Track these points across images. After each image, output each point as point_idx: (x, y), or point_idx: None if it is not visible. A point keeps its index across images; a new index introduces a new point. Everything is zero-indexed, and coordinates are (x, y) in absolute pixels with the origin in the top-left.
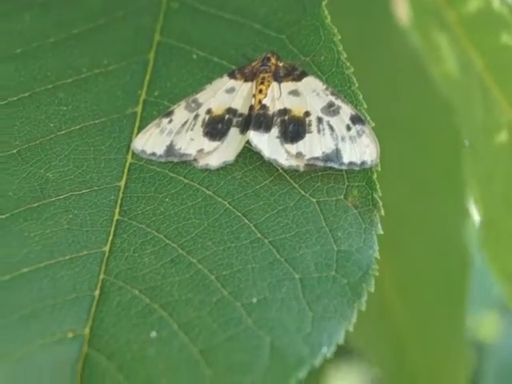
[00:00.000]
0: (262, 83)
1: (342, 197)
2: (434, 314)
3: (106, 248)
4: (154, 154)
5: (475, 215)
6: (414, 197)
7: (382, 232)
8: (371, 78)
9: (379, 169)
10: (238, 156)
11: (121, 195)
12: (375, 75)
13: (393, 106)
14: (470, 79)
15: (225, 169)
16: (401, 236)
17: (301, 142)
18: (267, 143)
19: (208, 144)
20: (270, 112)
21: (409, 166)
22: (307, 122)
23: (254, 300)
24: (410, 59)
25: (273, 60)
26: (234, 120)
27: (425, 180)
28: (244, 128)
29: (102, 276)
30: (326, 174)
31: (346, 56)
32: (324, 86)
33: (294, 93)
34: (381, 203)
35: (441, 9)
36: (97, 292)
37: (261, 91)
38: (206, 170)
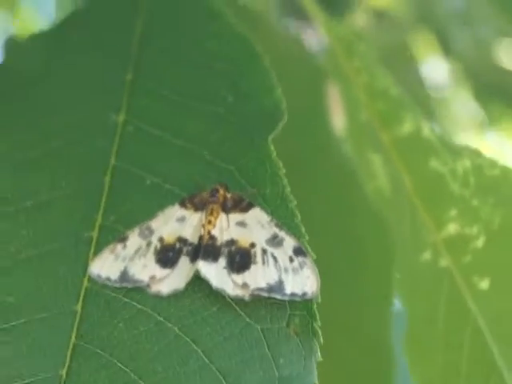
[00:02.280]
0: (211, 214)
1: (284, 325)
2: None
3: (63, 372)
4: (108, 278)
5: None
6: (345, 302)
7: (321, 359)
8: (307, 188)
9: (319, 300)
10: (188, 284)
11: (77, 319)
12: (311, 185)
13: (327, 216)
14: (400, 198)
15: (175, 296)
16: (329, 340)
17: (246, 273)
18: (215, 273)
19: (160, 271)
20: (218, 242)
21: (341, 273)
22: (253, 252)
23: None
24: (346, 170)
25: (221, 191)
26: (185, 249)
27: (356, 287)
28: (194, 257)
29: None
30: (269, 302)
31: (289, 189)
32: (269, 218)
33: (241, 224)
34: (320, 332)
35: (375, 130)
36: None
37: (210, 222)
38: (158, 297)
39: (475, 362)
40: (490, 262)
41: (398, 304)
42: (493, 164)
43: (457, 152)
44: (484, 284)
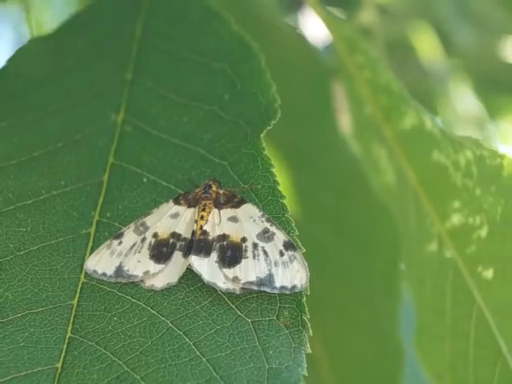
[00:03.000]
0: (203, 210)
1: (274, 317)
2: None
3: (59, 364)
4: (104, 274)
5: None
6: (354, 296)
7: (310, 351)
8: (315, 185)
9: (308, 292)
10: (181, 278)
11: (73, 313)
12: (319, 182)
13: (335, 209)
14: (404, 191)
15: (168, 289)
16: (340, 333)
17: (237, 267)
18: (207, 267)
19: (153, 266)
20: (210, 237)
21: (350, 268)
22: (244, 247)
23: None
24: (352, 167)
25: (214, 188)
26: (178, 244)
27: (365, 280)
28: (186, 252)
29: None
30: (260, 295)
31: (280, 185)
32: (260, 213)
33: (233, 219)
34: (309, 324)
35: (379, 124)
36: None
37: (202, 217)
38: (152, 291)
39: (481, 349)
40: (493, 252)
41: (406, 297)
42: (494, 154)
43: (458, 144)
44: (488, 274)
